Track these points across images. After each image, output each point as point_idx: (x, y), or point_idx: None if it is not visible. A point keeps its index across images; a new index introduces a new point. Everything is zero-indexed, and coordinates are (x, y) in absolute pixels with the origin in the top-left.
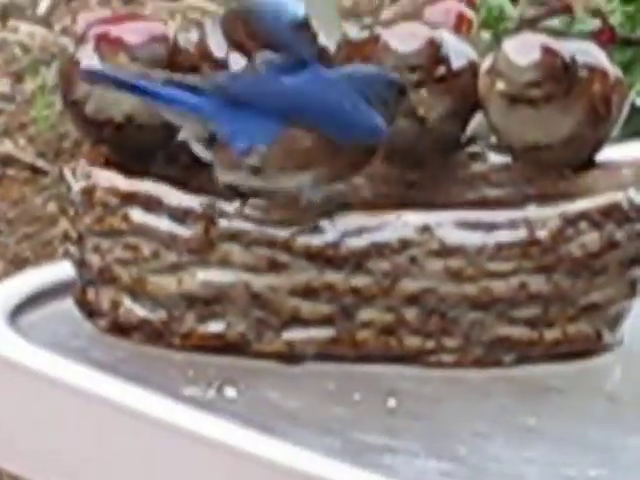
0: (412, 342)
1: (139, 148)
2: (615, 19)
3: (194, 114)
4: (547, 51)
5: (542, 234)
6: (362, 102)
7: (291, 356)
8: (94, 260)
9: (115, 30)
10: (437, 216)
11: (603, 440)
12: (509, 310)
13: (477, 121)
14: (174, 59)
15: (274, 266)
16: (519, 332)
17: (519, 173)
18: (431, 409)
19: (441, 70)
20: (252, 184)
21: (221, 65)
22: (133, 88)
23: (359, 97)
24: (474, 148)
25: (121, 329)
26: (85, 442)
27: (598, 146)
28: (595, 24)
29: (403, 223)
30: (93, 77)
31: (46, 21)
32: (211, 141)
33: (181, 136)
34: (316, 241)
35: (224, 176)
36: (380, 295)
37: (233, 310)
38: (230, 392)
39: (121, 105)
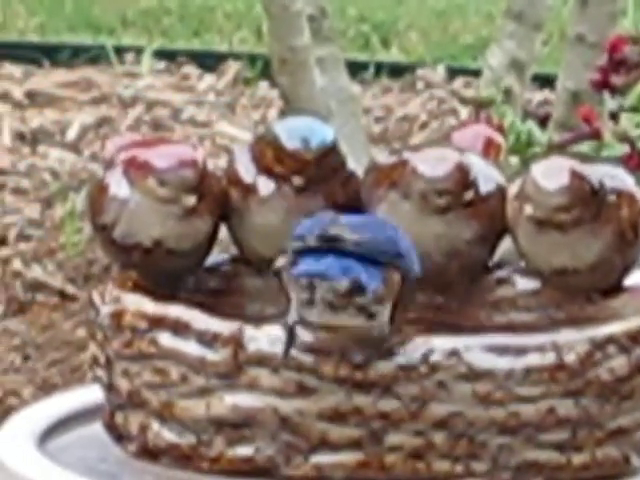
0: (440, 466)
1: (167, 272)
2: None
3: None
4: (575, 176)
5: (570, 358)
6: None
7: None
8: (123, 384)
9: (143, 154)
10: (465, 340)
11: None
12: (537, 434)
13: (505, 246)
14: (203, 184)
15: (302, 390)
16: (547, 456)
17: (547, 298)
18: None
19: (469, 195)
20: (347, 323)
21: (249, 189)
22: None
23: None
24: (502, 272)
25: (150, 453)
26: None
27: (626, 270)
28: (624, 149)
29: (431, 347)
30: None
31: (75, 147)
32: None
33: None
34: (345, 365)
35: (323, 317)
36: (408, 419)
37: (262, 434)
38: None
39: (149, 230)
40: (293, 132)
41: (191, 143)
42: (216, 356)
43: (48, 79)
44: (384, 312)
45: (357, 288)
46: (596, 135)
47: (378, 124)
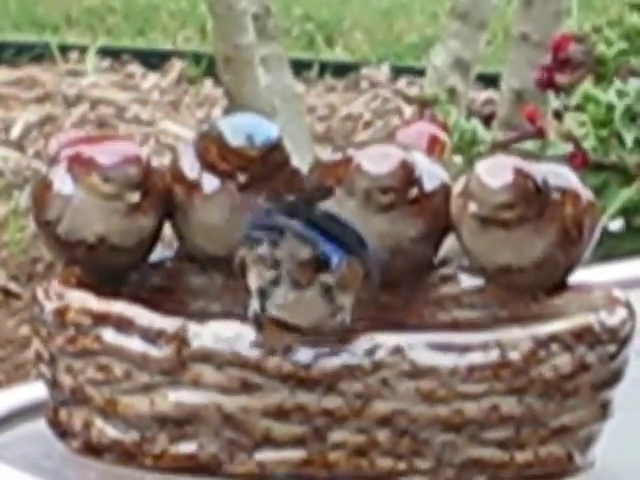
0: (384, 463)
1: (112, 269)
2: (588, 143)
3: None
4: (519, 173)
5: (514, 356)
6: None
7: (263, 477)
8: (66, 381)
9: (88, 151)
10: (409, 338)
11: None
12: (481, 432)
13: (449, 243)
14: (147, 180)
15: (246, 387)
16: (491, 454)
17: (491, 295)
18: None
19: (414, 192)
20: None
21: (194, 186)
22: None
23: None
24: (446, 270)
25: (93, 450)
26: None
27: (570, 269)
28: (568, 148)
29: (375, 344)
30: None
31: (19, 145)
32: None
33: (280, 255)
34: (288, 363)
35: (288, 297)
36: (352, 417)
37: (205, 431)
38: None
39: (93, 226)
40: (237, 129)
41: (135, 140)
42: (160, 353)
43: None
44: (345, 302)
45: (321, 262)
46: (540, 134)
47: (322, 123)
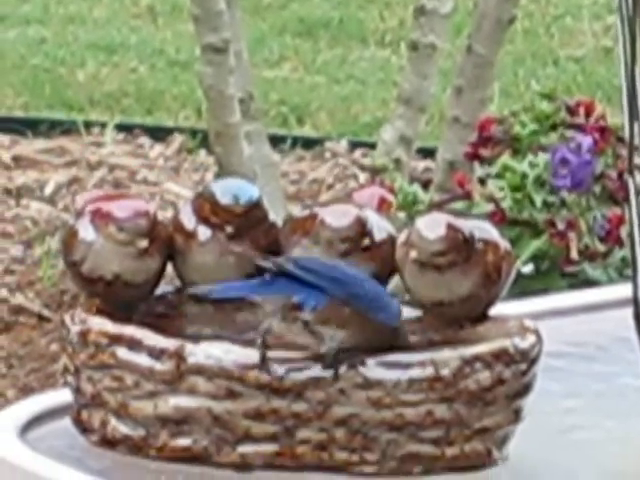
0: (340, 456)
1: (125, 300)
2: (506, 204)
3: (282, 294)
4: (451, 227)
5: (445, 372)
6: (385, 294)
7: (244, 466)
8: (88, 388)
9: (106, 206)
10: (362, 357)
11: None
12: (418, 432)
13: (395, 282)
14: (154, 230)
15: (231, 394)
16: (426, 449)
17: (427, 324)
18: None
19: (366, 241)
20: (299, 336)
21: (191, 235)
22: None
23: (382, 290)
24: None
25: (108, 443)
26: None
27: (491, 303)
28: (489, 207)
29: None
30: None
31: (51, 200)
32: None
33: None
34: (265, 375)
35: (279, 327)
36: (315, 419)
37: (198, 429)
38: None
39: (110, 266)
40: (226, 190)
41: (144, 198)
42: (162, 367)
43: (30, 146)
44: (328, 334)
45: (299, 305)
46: (468, 196)
47: (293, 185)
